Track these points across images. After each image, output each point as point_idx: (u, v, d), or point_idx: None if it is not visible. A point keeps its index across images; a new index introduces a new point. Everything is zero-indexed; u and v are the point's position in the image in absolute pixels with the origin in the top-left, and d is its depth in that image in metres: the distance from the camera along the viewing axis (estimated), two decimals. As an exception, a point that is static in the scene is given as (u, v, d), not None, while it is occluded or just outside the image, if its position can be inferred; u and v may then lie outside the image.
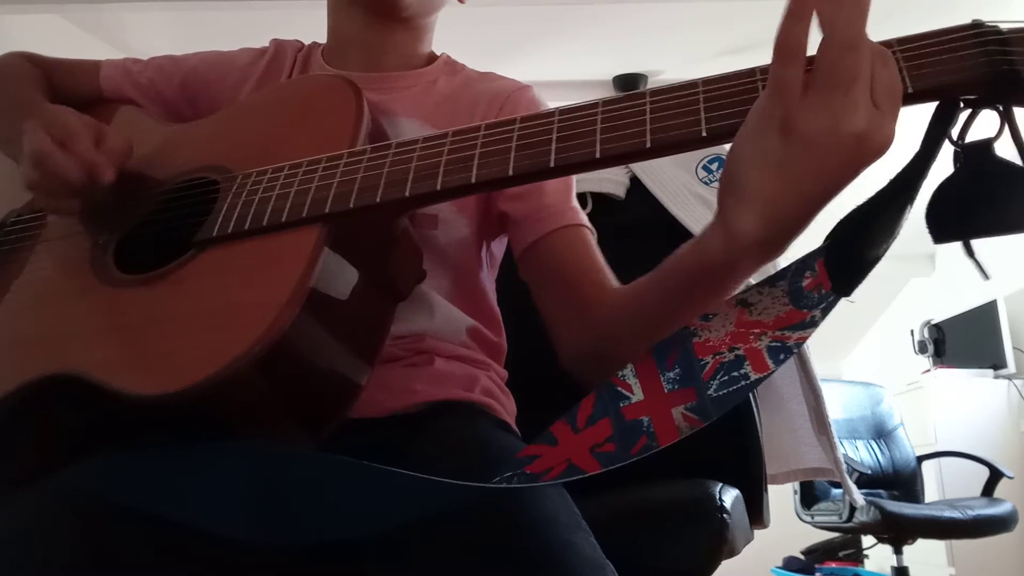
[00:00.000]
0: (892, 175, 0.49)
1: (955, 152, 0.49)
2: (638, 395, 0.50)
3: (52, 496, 0.54)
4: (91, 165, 0.65)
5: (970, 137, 0.49)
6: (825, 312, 0.49)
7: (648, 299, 0.64)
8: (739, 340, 0.50)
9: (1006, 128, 0.47)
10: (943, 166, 0.50)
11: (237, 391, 0.53)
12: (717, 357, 0.50)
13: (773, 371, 0.48)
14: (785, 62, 0.47)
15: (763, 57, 0.50)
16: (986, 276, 0.49)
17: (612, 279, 0.73)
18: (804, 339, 0.49)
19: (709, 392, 0.49)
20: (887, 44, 0.49)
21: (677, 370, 0.50)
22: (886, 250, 0.49)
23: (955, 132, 0.49)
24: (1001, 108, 0.47)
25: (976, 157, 0.48)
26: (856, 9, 0.46)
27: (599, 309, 0.70)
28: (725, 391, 0.49)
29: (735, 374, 0.49)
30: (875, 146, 0.46)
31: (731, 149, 0.51)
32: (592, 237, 0.78)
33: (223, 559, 0.54)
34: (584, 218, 0.79)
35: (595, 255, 0.76)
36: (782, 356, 0.49)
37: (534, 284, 0.78)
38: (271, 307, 0.53)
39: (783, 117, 0.47)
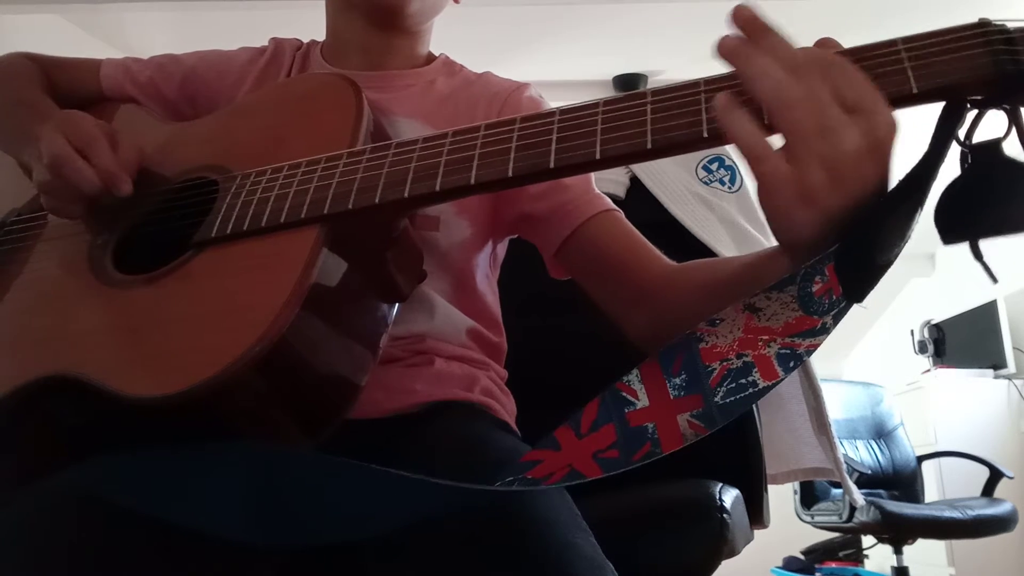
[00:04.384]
0: (900, 177, 0.48)
1: (962, 152, 0.48)
2: (643, 401, 0.50)
3: (52, 496, 0.54)
4: (110, 176, 0.66)
5: (977, 137, 0.48)
6: (836, 319, 0.48)
7: (719, 301, 0.62)
8: (747, 346, 0.49)
9: (1014, 128, 0.46)
10: (951, 167, 0.49)
11: (236, 392, 0.53)
12: (724, 364, 0.49)
13: (782, 379, 0.47)
14: (759, 162, 0.47)
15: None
16: (994, 279, 0.49)
17: (660, 256, 0.73)
18: (815, 347, 0.48)
19: (716, 399, 0.48)
20: (891, 43, 0.48)
21: (683, 376, 0.49)
22: (898, 254, 0.48)
23: (962, 133, 0.48)
24: (1008, 108, 0.46)
25: (984, 157, 0.47)
26: (769, 73, 0.46)
27: (661, 296, 0.70)
28: (732, 399, 0.48)
29: (743, 381, 0.48)
30: (884, 140, 0.46)
31: (770, 227, 0.50)
32: (623, 217, 0.78)
33: (222, 560, 0.54)
34: (609, 202, 0.79)
35: (634, 236, 0.76)
36: (792, 364, 0.47)
37: (580, 278, 0.78)
38: (270, 308, 0.53)
39: (792, 196, 0.46)
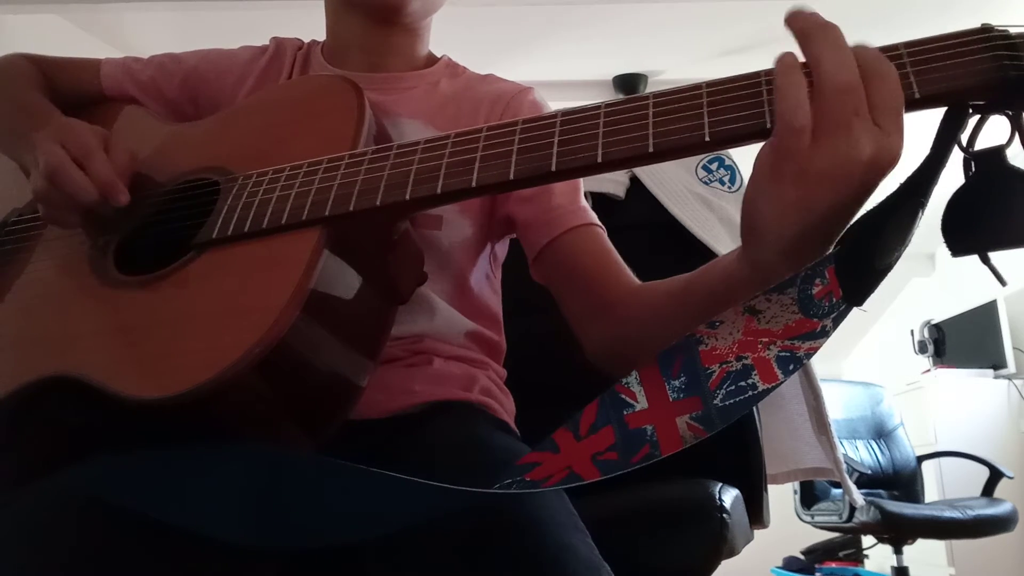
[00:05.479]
0: (901, 181, 0.49)
1: (964, 159, 0.48)
2: (642, 403, 0.50)
3: (51, 497, 0.54)
4: (107, 186, 0.65)
5: (980, 144, 0.48)
6: (836, 322, 0.48)
7: (673, 311, 0.64)
8: (747, 349, 0.49)
9: (1016, 135, 0.46)
10: (955, 174, 0.49)
11: (236, 394, 0.53)
12: (724, 366, 0.49)
13: (782, 381, 0.47)
14: (795, 134, 0.47)
15: (763, 57, 0.49)
16: (1003, 282, 0.49)
17: (631, 275, 0.74)
18: (815, 350, 0.48)
19: (715, 402, 0.48)
20: (893, 48, 0.48)
21: (683, 378, 0.50)
22: (898, 257, 0.48)
23: (965, 138, 0.48)
24: (1011, 114, 0.47)
25: (987, 165, 0.48)
26: (838, 52, 0.47)
27: (622, 310, 0.71)
28: (731, 401, 0.48)
29: (742, 384, 0.48)
30: (884, 164, 0.47)
31: (746, 196, 0.52)
32: (604, 234, 0.79)
33: (222, 561, 0.54)
34: (593, 216, 0.79)
35: (610, 253, 0.77)
36: (791, 367, 0.48)
37: (553, 286, 0.79)
38: (270, 310, 0.53)
39: (795, 170, 0.47)
